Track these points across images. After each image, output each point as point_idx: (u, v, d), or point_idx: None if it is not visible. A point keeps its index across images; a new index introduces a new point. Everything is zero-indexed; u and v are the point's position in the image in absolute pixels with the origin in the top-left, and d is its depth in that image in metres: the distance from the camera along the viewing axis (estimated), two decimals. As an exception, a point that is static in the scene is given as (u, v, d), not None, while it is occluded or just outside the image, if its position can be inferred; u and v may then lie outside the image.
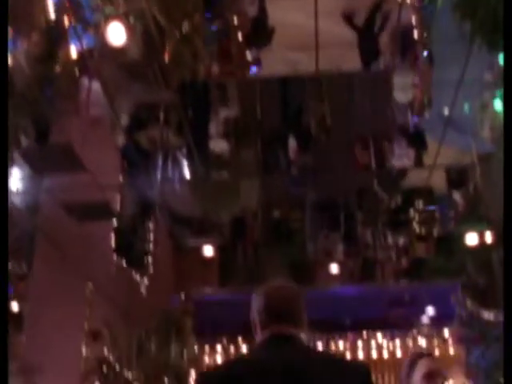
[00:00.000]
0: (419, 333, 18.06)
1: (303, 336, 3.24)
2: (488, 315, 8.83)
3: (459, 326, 9.20)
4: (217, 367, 3.53)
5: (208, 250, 12.37)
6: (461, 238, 11.76)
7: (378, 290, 14.95)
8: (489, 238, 11.00)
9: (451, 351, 18.08)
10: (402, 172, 11.17)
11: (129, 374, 8.91)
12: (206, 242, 12.23)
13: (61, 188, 9.39)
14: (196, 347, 10.17)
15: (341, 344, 17.87)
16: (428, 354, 4.39)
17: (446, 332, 17.89)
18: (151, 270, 10.81)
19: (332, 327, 15.63)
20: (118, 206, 10.65)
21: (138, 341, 9.20)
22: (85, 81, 8.98)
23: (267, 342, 3.20)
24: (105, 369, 8.63)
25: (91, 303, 9.21)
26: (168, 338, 9.27)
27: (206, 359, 18.12)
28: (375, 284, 14.04)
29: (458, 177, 11.56)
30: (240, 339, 17.94)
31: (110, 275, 10.54)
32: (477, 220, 11.47)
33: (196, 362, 10.00)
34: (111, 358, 8.81)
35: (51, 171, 8.78)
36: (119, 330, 9.29)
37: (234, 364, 3.34)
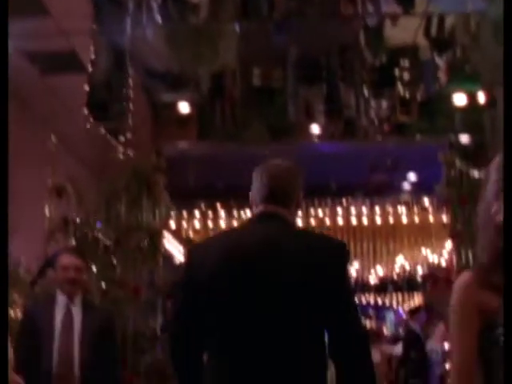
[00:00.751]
0: (400, 200, 17.85)
1: (292, 216, 3.41)
2: (478, 174, 8.42)
3: (446, 186, 8.78)
4: (202, 241, 3.66)
5: (184, 107, 11.81)
6: (447, 99, 11.34)
7: (360, 151, 14.42)
8: (481, 98, 10.53)
9: (431, 219, 17.98)
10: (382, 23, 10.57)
11: (96, 234, 8.47)
12: (182, 99, 11.66)
13: (23, 36, 8.73)
14: (171, 209, 9.66)
15: (320, 211, 17.63)
16: None
17: (427, 201, 17.71)
18: (125, 127, 10.31)
19: (311, 190, 15.19)
20: (88, 59, 9.98)
21: (106, 199, 8.71)
22: None
23: (254, 220, 3.42)
24: (71, 228, 8.18)
25: (55, 158, 8.66)
26: (139, 196, 8.77)
27: (184, 224, 17.89)
28: (357, 142, 13.53)
29: (443, 38, 11.01)
30: (218, 205, 17.68)
31: (80, 131, 10.01)
32: (465, 80, 11.00)
33: (169, 222, 9.56)
34: (77, 217, 8.35)
35: (11, 16, 8.11)
36: (86, 188, 8.80)
37: (217, 238, 3.58)
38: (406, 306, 33.74)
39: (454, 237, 8.86)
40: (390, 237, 18.92)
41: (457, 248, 8.95)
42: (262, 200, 3.38)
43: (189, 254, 3.44)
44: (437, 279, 11.67)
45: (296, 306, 3.14)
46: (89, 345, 5.56)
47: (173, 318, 3.43)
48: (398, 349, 15.29)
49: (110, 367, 5.70)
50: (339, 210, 17.70)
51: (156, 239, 9.00)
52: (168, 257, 17.76)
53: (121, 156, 9.65)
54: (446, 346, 11.91)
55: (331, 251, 3.25)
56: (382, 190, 16.63)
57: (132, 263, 8.91)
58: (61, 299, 5.75)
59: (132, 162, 9.15)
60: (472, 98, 10.82)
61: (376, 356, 14.46)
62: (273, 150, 12.21)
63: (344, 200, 17.59)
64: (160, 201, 8.98)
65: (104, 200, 8.67)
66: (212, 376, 3.21)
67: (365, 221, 17.85)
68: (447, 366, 11.46)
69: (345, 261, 3.29)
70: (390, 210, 17.94)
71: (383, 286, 30.99)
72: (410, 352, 11.94)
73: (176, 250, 18.68)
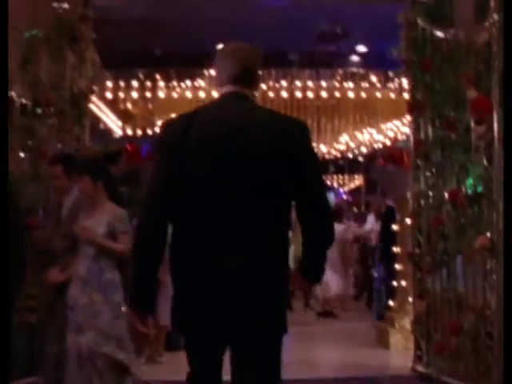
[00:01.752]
0: (347, 74, 16.91)
1: (254, 95, 3.66)
2: (442, 34, 7.42)
3: (406, 48, 7.82)
4: (176, 117, 3.82)
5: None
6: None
7: (309, 14, 13.33)
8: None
9: (378, 95, 17.14)
10: None
11: (11, 93, 7.42)
12: None
13: None
14: (100, 70, 8.62)
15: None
16: None
17: (375, 77, 16.81)
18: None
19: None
20: None
21: (24, 52, 7.63)
22: None
23: (222, 99, 3.66)
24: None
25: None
26: (62, 49, 7.68)
27: (121, 95, 16.83)
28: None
29: None
30: (158, 76, 16.61)
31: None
32: None
33: (102, 90, 8.46)
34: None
35: None
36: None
37: (190, 115, 3.66)
38: (346, 188, 33.73)
39: (413, 108, 8.01)
40: (335, 114, 18.05)
41: (415, 120, 8.14)
42: (229, 81, 3.62)
43: (163, 128, 3.70)
44: (385, 158, 10.90)
45: (266, 177, 3.45)
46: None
47: (147, 188, 3.62)
48: (366, 228, 14.94)
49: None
50: (283, 82, 16.67)
51: (82, 101, 8.01)
52: (106, 131, 16.83)
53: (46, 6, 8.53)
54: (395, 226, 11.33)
55: (295, 128, 3.57)
56: (330, 61, 15.67)
57: (54, 129, 7.98)
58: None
59: (56, 11, 8.01)
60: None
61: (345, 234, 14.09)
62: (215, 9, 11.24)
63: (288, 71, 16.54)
64: (86, 58, 7.97)
65: (21, 53, 7.60)
66: (180, 242, 3.52)
67: (310, 95, 16.85)
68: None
69: (307, 136, 3.61)
70: (337, 84, 16.99)
71: (325, 167, 30.61)
72: (389, 227, 11.53)
73: (114, 124, 17.72)
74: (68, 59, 7.79)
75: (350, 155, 22.69)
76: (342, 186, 34.21)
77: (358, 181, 33.36)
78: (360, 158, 28.48)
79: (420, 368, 8.03)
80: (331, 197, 35.38)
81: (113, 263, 6.08)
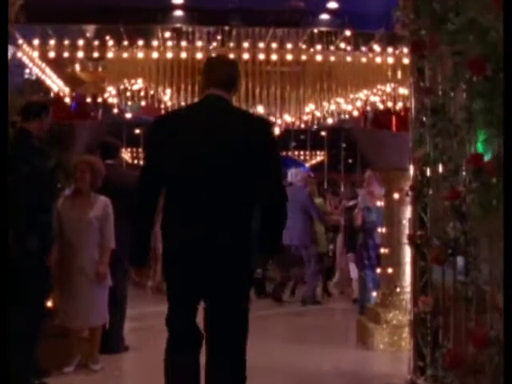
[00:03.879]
0: (314, 35, 15.24)
1: (232, 98, 4.68)
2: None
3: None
4: (165, 114, 5.76)
5: None
6: None
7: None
8: None
9: (348, 58, 15.48)
10: None
11: None
12: None
13: None
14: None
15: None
16: None
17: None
18: None
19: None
20: None
21: None
22: None
23: (204, 100, 4.68)
24: None
25: None
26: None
27: (66, 55, 14.98)
28: None
29: None
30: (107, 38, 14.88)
31: None
32: None
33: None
34: None
35: None
36: None
37: (177, 112, 5.52)
38: (308, 164, 32.54)
39: (418, 47, 6.17)
40: (300, 82, 16.40)
41: (417, 64, 6.33)
42: (210, 85, 4.64)
43: (154, 124, 4.73)
44: (368, 121, 9.12)
45: (237, 164, 4.37)
46: None
47: (141, 173, 4.59)
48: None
49: None
50: (245, 43, 14.87)
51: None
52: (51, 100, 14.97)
53: None
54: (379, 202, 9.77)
55: (261, 125, 4.62)
56: (297, 21, 14.00)
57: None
58: None
59: None
60: None
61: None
62: None
63: (250, 31, 14.76)
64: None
65: None
66: (168, 214, 4.52)
67: (274, 57, 15.06)
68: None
69: (271, 132, 4.81)
70: (304, 45, 15.24)
71: (285, 143, 29.22)
72: None
73: (61, 92, 15.95)
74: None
75: (315, 126, 20.90)
76: (304, 162, 33.06)
77: (320, 157, 32.35)
78: (323, 133, 27.09)
79: (422, 382, 6.32)
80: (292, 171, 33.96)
81: None
